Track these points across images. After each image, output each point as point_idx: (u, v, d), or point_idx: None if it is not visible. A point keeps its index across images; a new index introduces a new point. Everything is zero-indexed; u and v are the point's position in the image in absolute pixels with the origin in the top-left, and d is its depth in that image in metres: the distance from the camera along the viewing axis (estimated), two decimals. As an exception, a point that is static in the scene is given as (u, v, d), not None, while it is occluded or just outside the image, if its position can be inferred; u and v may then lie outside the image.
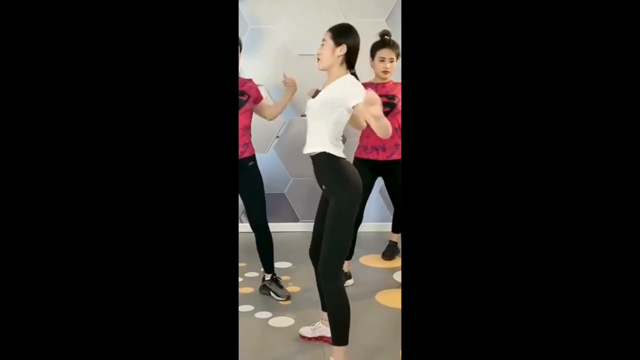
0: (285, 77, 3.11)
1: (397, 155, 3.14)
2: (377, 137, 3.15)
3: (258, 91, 3.09)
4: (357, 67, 2.29)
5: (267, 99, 3.10)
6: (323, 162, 2.22)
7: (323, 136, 2.19)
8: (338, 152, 2.21)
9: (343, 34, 2.21)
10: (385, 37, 3.10)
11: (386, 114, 3.11)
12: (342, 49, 2.19)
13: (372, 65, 3.14)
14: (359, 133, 3.24)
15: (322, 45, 2.22)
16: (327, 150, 2.19)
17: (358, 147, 3.23)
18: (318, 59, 2.23)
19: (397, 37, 3.10)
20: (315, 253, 2.36)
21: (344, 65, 2.22)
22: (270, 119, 3.23)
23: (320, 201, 2.36)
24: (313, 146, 2.23)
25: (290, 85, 3.10)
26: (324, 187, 2.26)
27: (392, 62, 3.07)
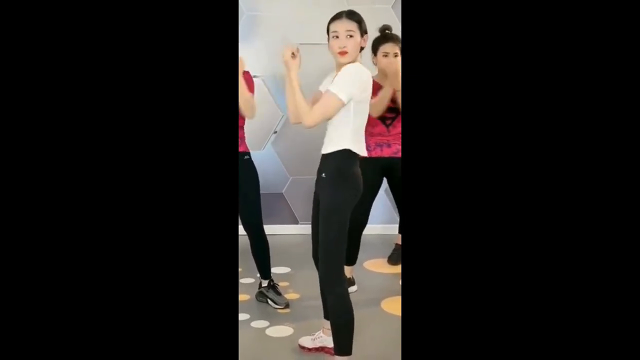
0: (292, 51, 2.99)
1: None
2: (381, 134, 3.20)
3: (251, 85, 3.04)
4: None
5: (251, 97, 2.94)
6: (339, 157, 2.19)
7: (340, 131, 2.18)
8: (359, 149, 2.21)
9: (365, 23, 2.23)
10: (387, 31, 3.11)
11: (392, 119, 3.14)
12: (366, 39, 2.24)
13: (374, 62, 3.14)
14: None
15: (351, 37, 2.18)
16: (349, 147, 2.18)
17: (361, 147, 3.24)
18: (346, 52, 2.17)
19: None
20: (317, 256, 2.36)
21: (358, 56, 2.23)
22: (250, 118, 2.98)
23: (314, 200, 2.35)
24: (330, 144, 2.21)
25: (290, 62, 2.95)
26: (323, 174, 2.24)
27: (396, 57, 3.06)
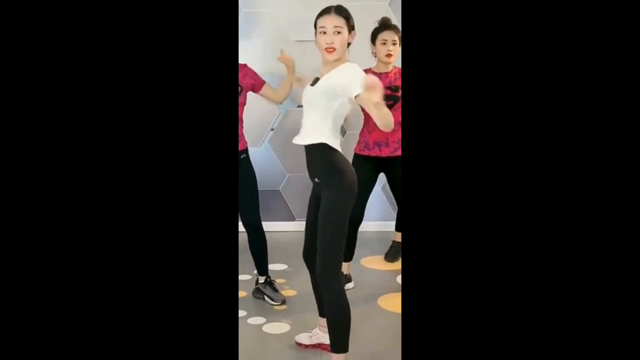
0: (282, 53, 3.13)
1: (400, 152, 3.17)
2: (380, 132, 3.20)
3: (255, 77, 3.08)
4: (357, 53, 2.31)
5: (268, 84, 3.13)
6: (319, 154, 2.22)
7: (321, 126, 2.19)
8: (336, 144, 2.21)
9: (352, 19, 2.22)
10: (385, 22, 3.14)
11: (389, 107, 3.14)
12: (353, 36, 2.22)
13: (373, 52, 3.17)
14: (359, 126, 3.27)
15: (339, 33, 2.16)
16: (326, 142, 2.19)
17: (358, 143, 3.25)
18: (334, 49, 2.16)
19: (400, 22, 3.13)
20: (308, 254, 2.38)
21: (345, 52, 2.23)
22: (281, 102, 3.24)
23: (311, 198, 2.37)
24: (309, 137, 2.23)
25: (287, 63, 3.12)
26: (316, 180, 2.27)
27: (394, 44, 3.10)
